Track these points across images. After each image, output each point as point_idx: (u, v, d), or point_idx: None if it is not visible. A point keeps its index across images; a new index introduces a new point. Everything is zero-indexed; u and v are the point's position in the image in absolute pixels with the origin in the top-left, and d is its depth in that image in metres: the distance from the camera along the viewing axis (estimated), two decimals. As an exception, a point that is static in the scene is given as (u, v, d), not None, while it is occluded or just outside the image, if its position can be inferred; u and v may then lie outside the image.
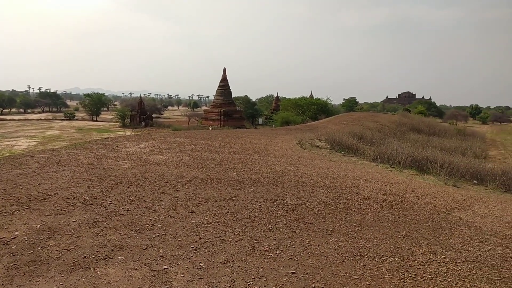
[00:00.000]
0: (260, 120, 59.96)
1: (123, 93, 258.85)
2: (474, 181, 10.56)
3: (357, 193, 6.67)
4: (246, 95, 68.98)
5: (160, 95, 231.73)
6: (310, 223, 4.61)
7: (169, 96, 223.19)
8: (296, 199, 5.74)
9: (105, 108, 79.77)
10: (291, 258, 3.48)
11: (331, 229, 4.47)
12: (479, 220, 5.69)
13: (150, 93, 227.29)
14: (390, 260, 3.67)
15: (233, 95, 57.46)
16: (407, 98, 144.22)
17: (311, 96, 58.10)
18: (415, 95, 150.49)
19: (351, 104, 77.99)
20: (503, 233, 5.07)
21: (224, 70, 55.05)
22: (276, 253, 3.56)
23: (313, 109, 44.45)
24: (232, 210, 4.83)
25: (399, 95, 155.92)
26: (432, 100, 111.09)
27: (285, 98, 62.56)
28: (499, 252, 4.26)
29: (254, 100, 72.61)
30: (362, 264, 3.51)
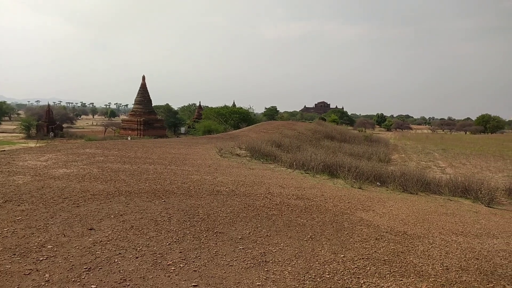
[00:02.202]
0: (183, 129, 58.85)
1: (28, 101, 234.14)
2: (377, 183, 11.53)
3: (270, 199, 6.82)
4: (167, 104, 67.21)
5: (72, 103, 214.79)
6: (220, 232, 4.57)
7: (83, 104, 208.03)
8: (209, 209, 5.66)
9: (6, 118, 71.31)
10: (195, 271, 3.38)
11: (240, 237, 4.47)
12: (378, 219, 6.19)
13: (60, 101, 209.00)
14: (294, 263, 3.78)
15: (154, 104, 55.58)
16: (322, 107, 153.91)
17: (234, 105, 58.81)
18: (329, 104, 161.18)
19: (272, 113, 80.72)
20: (396, 230, 5.58)
21: (143, 77, 53.07)
22: (180, 267, 3.44)
23: (235, 118, 44.98)
24: (138, 224, 4.58)
25: (315, 104, 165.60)
26: (345, 109, 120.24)
27: (207, 107, 62.37)
28: (392, 248, 4.66)
29: (176, 109, 71.06)
30: (266, 269, 3.55)
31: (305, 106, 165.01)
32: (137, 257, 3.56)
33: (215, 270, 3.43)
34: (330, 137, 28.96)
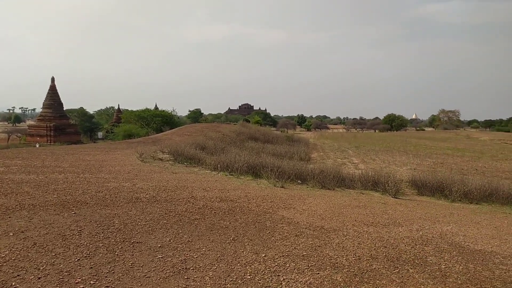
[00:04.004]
0: (100, 134, 55.25)
1: None
2: (298, 181, 12.02)
3: (193, 204, 6.67)
4: (81, 108, 62.63)
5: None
6: (138, 242, 4.32)
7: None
8: (126, 218, 5.34)
9: None
10: (107, 287, 3.14)
11: (159, 245, 4.28)
12: (298, 216, 6.42)
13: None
14: (215, 267, 3.72)
15: (66, 108, 51.28)
16: (246, 109, 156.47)
17: (156, 107, 56.82)
18: (253, 106, 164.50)
19: (196, 115, 79.79)
20: (315, 225, 5.84)
21: (53, 79, 48.65)
22: (90, 284, 3.16)
23: (157, 121, 43.41)
24: (42, 240, 4.12)
25: (239, 106, 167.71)
26: (268, 111, 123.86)
27: (127, 110, 59.39)
28: (310, 243, 4.86)
29: (91, 112, 66.44)
30: (186, 277, 3.44)
31: (229, 108, 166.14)
32: (39, 278, 3.20)
33: (130, 284, 3.23)
34: (254, 138, 29.49)
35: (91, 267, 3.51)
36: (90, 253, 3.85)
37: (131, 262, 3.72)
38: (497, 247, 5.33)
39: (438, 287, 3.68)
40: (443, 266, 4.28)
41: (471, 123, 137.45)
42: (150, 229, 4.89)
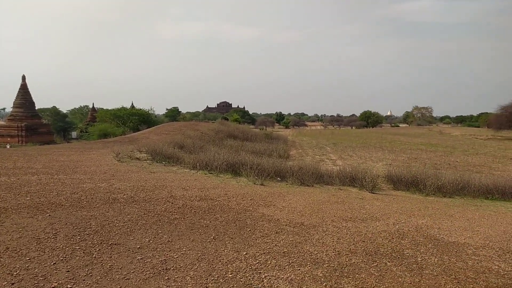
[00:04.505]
0: (74, 134, 53.82)
1: None
2: (278, 178, 12.08)
3: (172, 203, 6.60)
4: (54, 107, 60.71)
5: None
6: (116, 244, 4.24)
7: None
8: (103, 219, 5.22)
9: None
10: (85, 290, 3.07)
11: (138, 246, 4.21)
12: (278, 213, 6.46)
13: None
14: (196, 267, 3.70)
15: (38, 107, 49.60)
16: (225, 107, 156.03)
17: (132, 106, 55.80)
18: (231, 104, 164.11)
19: (174, 114, 78.86)
20: (295, 222, 5.89)
21: (24, 77, 46.94)
22: (67, 287, 3.08)
23: (134, 120, 42.67)
24: (15, 244, 3.98)
25: (218, 104, 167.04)
26: (246, 109, 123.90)
27: (102, 109, 58.09)
28: (291, 239, 4.90)
29: (65, 111, 64.55)
30: (166, 278, 3.40)
31: (207, 106, 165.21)
32: (13, 284, 3.08)
33: (109, 286, 3.16)
34: (232, 136, 29.42)
35: (68, 271, 3.41)
36: (67, 256, 3.75)
37: (109, 264, 3.64)
38: (470, 238, 5.53)
39: (415, 279, 3.78)
40: (419, 259, 4.41)
41: (443, 119, 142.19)
42: (128, 230, 4.81)
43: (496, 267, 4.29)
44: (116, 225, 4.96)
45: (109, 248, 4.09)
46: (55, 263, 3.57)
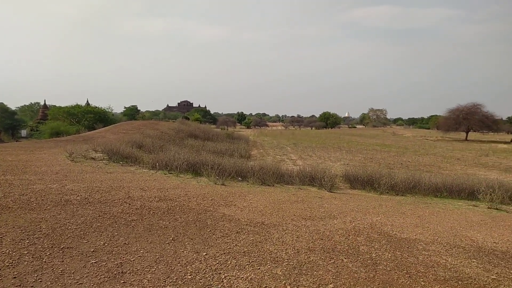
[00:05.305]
0: (24, 132, 50.59)
1: None
2: (239, 178, 12.08)
3: (130, 204, 6.40)
4: (2, 103, 56.74)
5: None
6: (68, 247, 4.03)
7: None
8: (54, 222, 4.96)
9: None
10: (33, 297, 2.89)
11: (92, 249, 4.04)
12: (239, 213, 6.46)
13: None
14: (154, 269, 3.61)
15: (-18, 103, 46.13)
16: (186, 106, 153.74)
17: (88, 104, 53.43)
18: (192, 103, 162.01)
19: (132, 112, 76.46)
20: (255, 221, 5.92)
21: (-35, 70, 43.46)
22: (13, 295, 2.89)
23: (89, 118, 40.91)
24: (-46, 251, 3.67)
25: (178, 103, 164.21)
26: (208, 108, 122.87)
27: (55, 106, 55.14)
28: (251, 239, 4.92)
29: (13, 108, 60.58)
30: (122, 281, 3.29)
31: (168, 105, 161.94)
32: (-50, 294, 2.84)
33: (60, 292, 3.00)
34: (194, 136, 29.07)
35: (15, 277, 3.20)
36: (14, 262, 3.51)
37: (60, 269, 3.46)
38: (420, 234, 5.84)
39: (370, 274, 3.93)
40: (374, 255, 4.59)
41: (396, 121, 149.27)
42: (82, 233, 4.60)
43: (444, 261, 4.56)
44: (68, 228, 4.72)
45: (60, 252, 3.89)
46: (0, 269, 3.34)
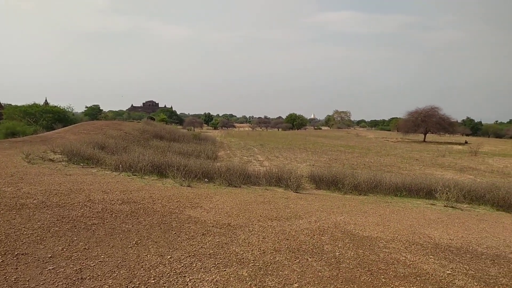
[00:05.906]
0: (-26, 133, 47.41)
1: None
2: (205, 179, 11.98)
3: (90, 208, 6.16)
4: None
5: None
6: (23, 254, 3.82)
7: None
8: (8, 227, 4.68)
9: None
10: (-18, 308, 2.72)
11: (50, 255, 3.85)
12: (205, 215, 6.40)
13: None
14: (115, 274, 3.49)
15: None
16: (151, 107, 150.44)
17: (46, 103, 51.01)
18: (158, 103, 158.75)
19: (94, 112, 73.70)
20: (222, 223, 5.88)
21: None
22: (-40, 307, 2.70)
23: (48, 118, 39.06)
24: None
25: (143, 103, 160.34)
26: (174, 109, 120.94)
27: (10, 105, 52.16)
28: (217, 240, 4.89)
29: (-38, 106, 56.56)
30: (82, 288, 3.16)
31: (132, 105, 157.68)
32: None
33: (13, 302, 2.84)
34: (159, 137, 28.47)
35: (-39, 288, 2.99)
36: (-40, 272, 3.28)
37: (14, 276, 3.27)
38: (381, 232, 6.05)
39: (333, 273, 4.02)
40: (337, 253, 4.70)
41: (359, 123, 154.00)
42: (38, 238, 4.38)
43: (403, 258, 4.74)
44: (24, 233, 4.48)
45: (14, 258, 3.68)
46: None
